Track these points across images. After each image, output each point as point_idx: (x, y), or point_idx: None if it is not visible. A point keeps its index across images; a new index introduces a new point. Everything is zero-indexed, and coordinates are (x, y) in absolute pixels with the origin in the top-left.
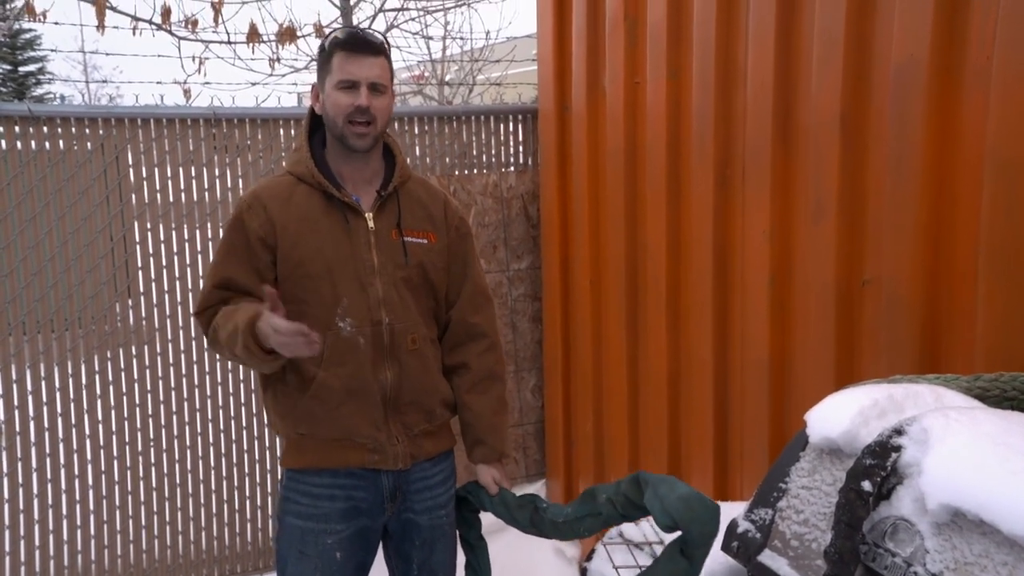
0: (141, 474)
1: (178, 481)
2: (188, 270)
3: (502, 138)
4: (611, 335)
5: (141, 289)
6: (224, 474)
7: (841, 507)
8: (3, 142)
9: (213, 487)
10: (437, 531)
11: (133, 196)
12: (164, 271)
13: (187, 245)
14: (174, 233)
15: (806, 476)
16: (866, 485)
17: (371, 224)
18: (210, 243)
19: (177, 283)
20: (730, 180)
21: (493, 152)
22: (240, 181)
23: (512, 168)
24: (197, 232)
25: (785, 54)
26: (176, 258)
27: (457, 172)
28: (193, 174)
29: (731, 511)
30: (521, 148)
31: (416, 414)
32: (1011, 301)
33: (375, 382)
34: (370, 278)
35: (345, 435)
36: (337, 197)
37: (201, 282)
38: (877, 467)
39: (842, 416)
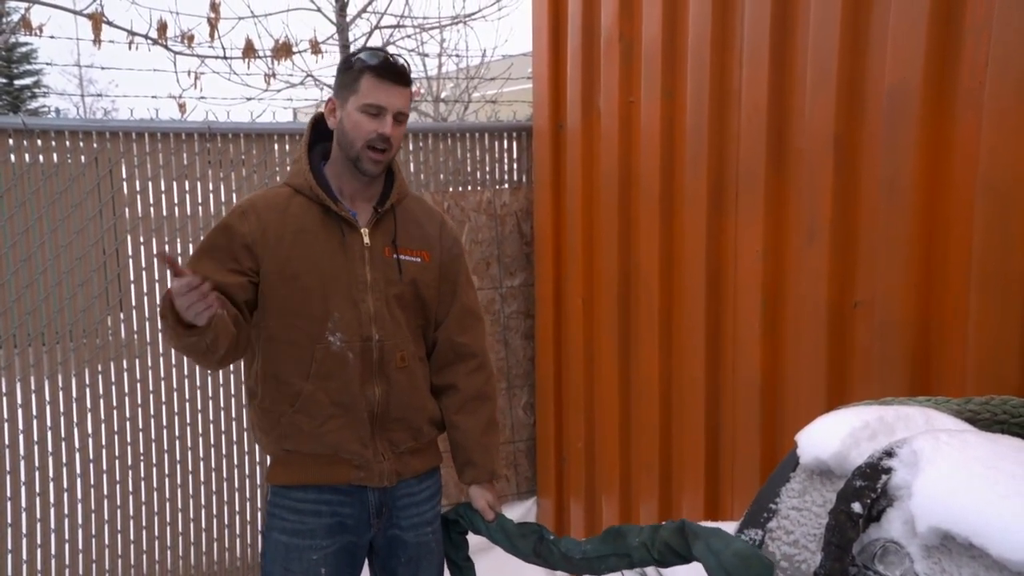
0: (131, 488)
1: (167, 495)
2: None
3: (496, 155)
4: (603, 353)
5: (133, 303)
6: (214, 488)
7: (831, 529)
8: None
9: (203, 501)
10: (423, 548)
11: (127, 210)
12: (157, 285)
13: (180, 259)
14: (167, 247)
15: (796, 497)
16: (856, 507)
17: (366, 240)
18: None
19: None
20: (723, 200)
21: (487, 169)
22: (234, 195)
23: (506, 185)
24: (191, 246)
25: (779, 76)
26: (169, 272)
27: (451, 189)
28: (187, 188)
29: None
30: (515, 166)
31: (403, 432)
32: (1002, 324)
33: (362, 398)
34: (362, 294)
35: (331, 451)
36: (334, 211)
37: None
38: (867, 489)
39: (833, 437)
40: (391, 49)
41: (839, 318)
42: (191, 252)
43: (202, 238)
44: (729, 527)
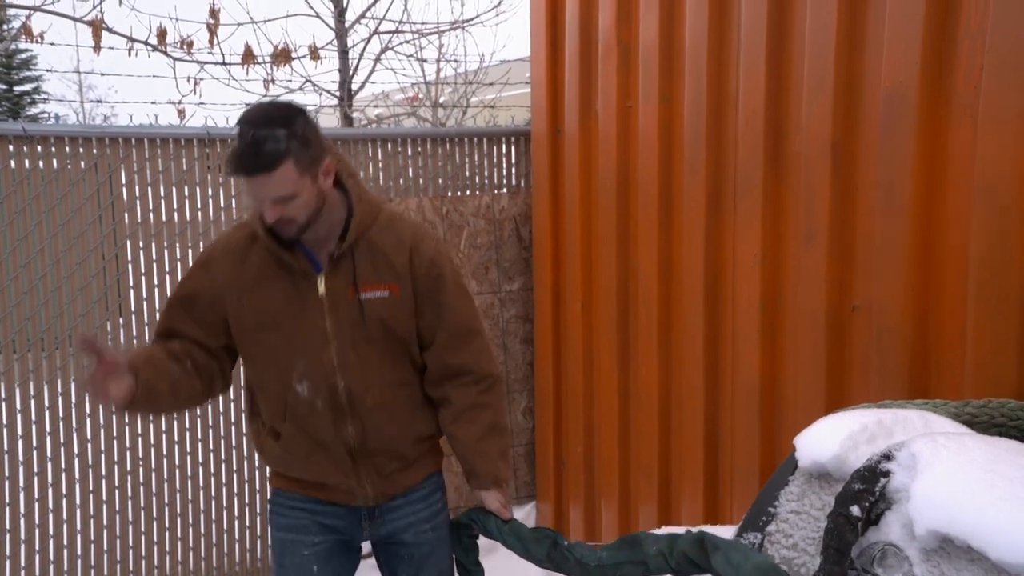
0: (130, 493)
1: (166, 500)
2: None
3: (495, 160)
4: (602, 357)
5: (132, 308)
6: (213, 493)
7: (830, 532)
8: None
9: (202, 506)
10: (425, 547)
11: (126, 215)
12: (156, 290)
13: (179, 264)
14: (166, 252)
15: (795, 500)
16: (855, 510)
17: (322, 289)
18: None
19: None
20: (721, 205)
21: (486, 174)
22: (233, 201)
23: (505, 190)
24: (189, 251)
25: (776, 81)
26: (168, 277)
27: (450, 193)
28: (186, 193)
29: (721, 534)
30: (514, 170)
31: (386, 457)
32: (999, 328)
33: (338, 437)
34: (324, 344)
35: (316, 480)
36: (287, 261)
37: None
38: (866, 492)
39: (831, 441)
40: (389, 54)
41: (837, 322)
42: (190, 259)
43: (202, 244)
44: (728, 531)
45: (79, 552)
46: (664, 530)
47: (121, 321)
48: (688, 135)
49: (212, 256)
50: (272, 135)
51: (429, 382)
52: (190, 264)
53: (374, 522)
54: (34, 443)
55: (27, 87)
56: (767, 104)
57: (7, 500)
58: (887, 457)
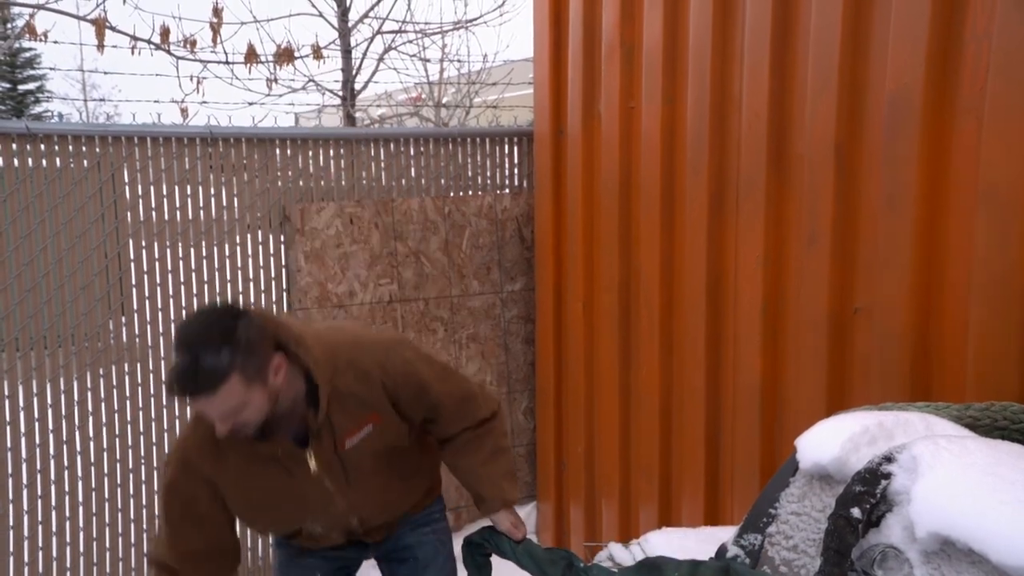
0: (131, 491)
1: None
2: (182, 288)
3: (497, 160)
4: (603, 358)
5: (135, 307)
6: None
7: (830, 534)
8: (0, 159)
9: None
10: (427, 547)
11: (128, 214)
12: (158, 289)
13: (181, 263)
14: (168, 251)
15: (795, 502)
16: (855, 512)
17: (313, 465)
18: (204, 262)
19: (171, 301)
20: (724, 206)
21: (488, 174)
22: (236, 200)
23: (507, 190)
24: (192, 251)
25: (780, 82)
26: (170, 276)
27: (452, 193)
28: (189, 192)
29: (722, 536)
30: (516, 170)
31: (390, 522)
32: (1002, 331)
33: (345, 534)
34: (329, 500)
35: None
36: (267, 452)
37: (195, 300)
38: (867, 494)
39: (832, 442)
40: (392, 54)
41: (839, 324)
42: (192, 258)
43: (204, 244)
44: (728, 532)
45: (81, 549)
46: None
47: (124, 320)
48: (691, 136)
49: (187, 457)
50: (212, 354)
51: (435, 439)
52: (192, 261)
53: (379, 545)
54: (37, 440)
55: (31, 86)
56: (770, 106)
57: (11, 497)
58: (888, 459)
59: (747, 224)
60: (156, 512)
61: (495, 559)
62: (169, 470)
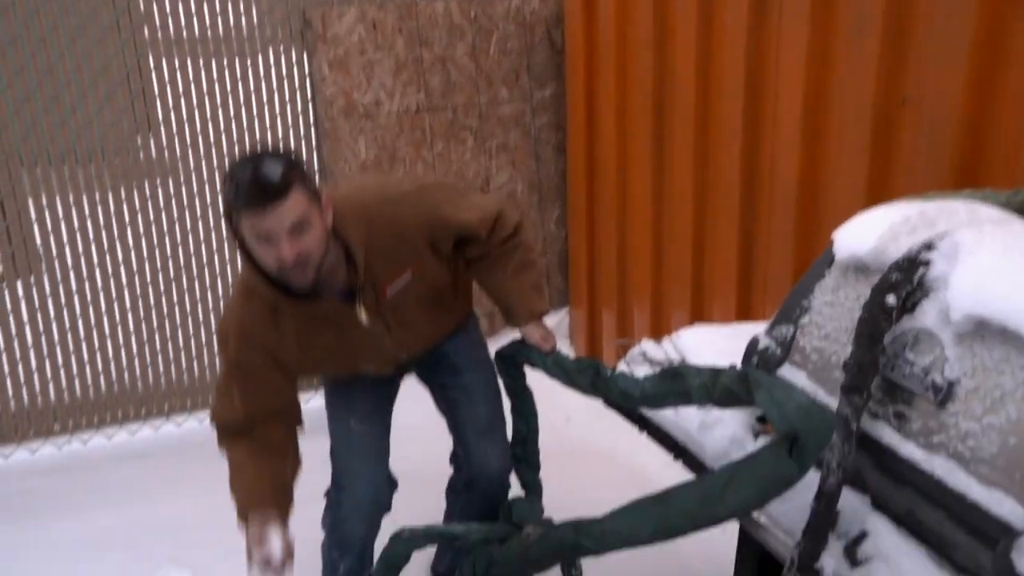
0: (175, 299)
1: (211, 306)
2: (206, 99)
3: None
4: (636, 162)
5: (160, 117)
6: None
7: (864, 321)
8: None
9: None
10: (463, 353)
11: (144, 22)
12: (182, 99)
13: (203, 73)
14: (189, 61)
15: (830, 293)
16: (891, 299)
17: (363, 318)
18: (225, 71)
19: (196, 112)
20: None
21: None
22: (254, 5)
23: None
24: (213, 61)
25: None
26: (193, 87)
27: None
28: None
29: (753, 330)
30: None
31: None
32: None
33: (395, 369)
34: (380, 344)
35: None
36: (321, 311)
37: (219, 112)
38: (903, 281)
39: (871, 233)
40: None
41: (885, 116)
42: (214, 68)
43: (224, 52)
44: (760, 327)
45: (135, 352)
46: (703, 327)
47: (151, 133)
48: None
49: (247, 331)
50: (274, 162)
51: (465, 257)
52: (214, 70)
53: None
54: (80, 250)
55: None
56: None
57: (63, 303)
58: (928, 247)
59: (791, 14)
60: (200, 313)
61: (527, 369)
62: (231, 344)
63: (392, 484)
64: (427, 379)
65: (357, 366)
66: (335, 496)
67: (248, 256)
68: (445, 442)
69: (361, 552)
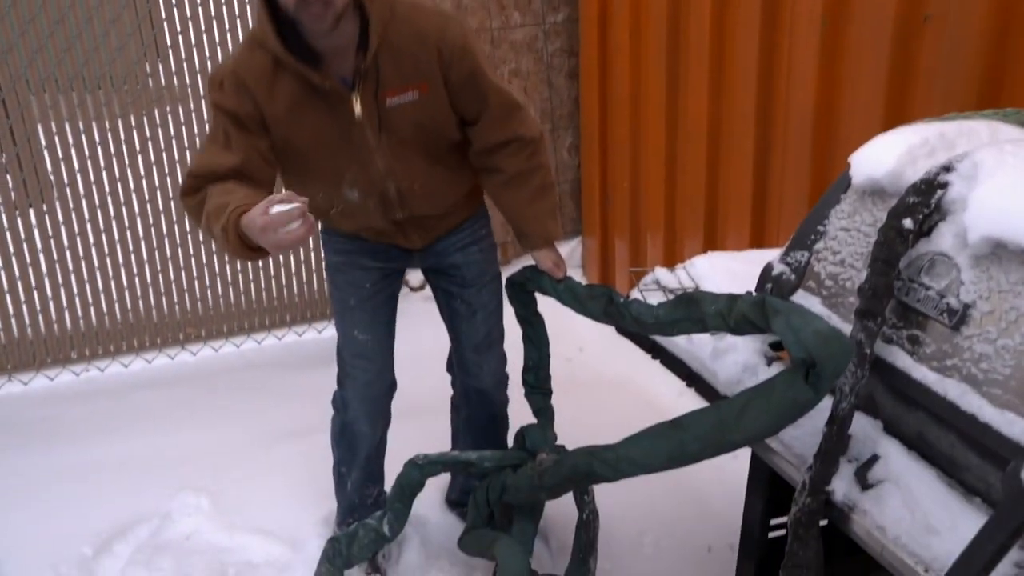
0: (188, 227)
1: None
2: (214, 23)
3: None
4: (650, 89)
5: (168, 42)
6: None
7: (879, 245)
8: None
9: None
10: (474, 267)
11: None
12: (190, 23)
13: None
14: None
15: (845, 218)
16: (907, 223)
17: (357, 107)
18: None
19: (204, 37)
20: None
21: None
22: None
23: None
24: None
25: None
26: (200, 9)
27: None
28: None
29: (767, 256)
30: None
31: (430, 218)
32: None
33: (386, 221)
34: (368, 156)
35: (361, 235)
36: (317, 83)
37: (228, 37)
38: (920, 204)
39: (888, 156)
40: None
41: (906, 33)
42: None
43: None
44: (774, 254)
45: (148, 281)
46: (716, 254)
47: (159, 57)
48: None
49: (241, 79)
50: None
51: (475, 153)
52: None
53: (423, 253)
54: (91, 178)
55: None
56: None
57: (76, 231)
58: (947, 169)
59: None
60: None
61: (538, 296)
62: (225, 87)
63: (393, 386)
64: (433, 280)
65: (343, 173)
66: (340, 396)
67: (266, 3)
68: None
69: (367, 461)
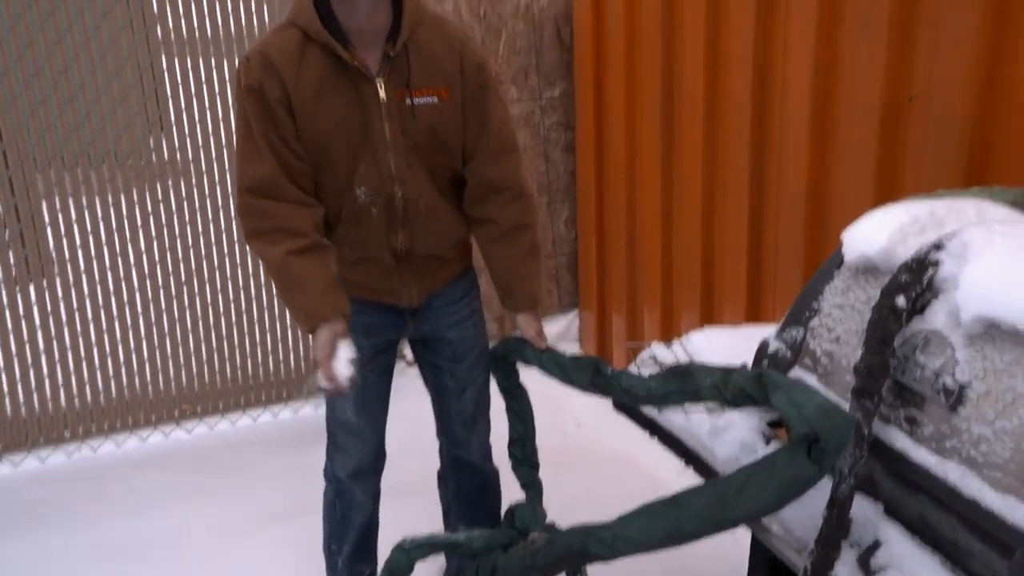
0: (187, 303)
1: (221, 309)
2: (218, 99)
3: None
4: (645, 164)
5: (172, 119)
6: (265, 303)
7: (874, 323)
8: None
9: (255, 316)
10: (467, 342)
11: (157, 26)
12: (194, 100)
13: (215, 74)
14: (201, 61)
15: (840, 295)
16: (900, 301)
17: (382, 93)
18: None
19: (208, 113)
20: None
21: None
22: (265, 7)
23: None
24: (225, 62)
25: None
26: (205, 88)
27: None
28: None
29: (763, 333)
30: None
31: (427, 259)
32: None
33: (386, 243)
34: (383, 150)
35: (363, 282)
36: (346, 61)
37: (231, 114)
38: (913, 282)
39: (880, 233)
40: None
41: (893, 113)
42: (225, 67)
43: (236, 51)
44: (770, 329)
45: (145, 357)
46: (713, 329)
47: (163, 134)
48: None
49: (269, 58)
50: None
51: (470, 200)
52: (225, 71)
53: (417, 320)
54: (92, 252)
55: None
56: None
57: (75, 306)
58: (937, 247)
59: (798, 8)
60: (210, 317)
61: (533, 371)
62: (252, 67)
63: (383, 458)
64: (421, 352)
65: (358, 161)
66: (330, 468)
67: None
68: None
69: (358, 534)
